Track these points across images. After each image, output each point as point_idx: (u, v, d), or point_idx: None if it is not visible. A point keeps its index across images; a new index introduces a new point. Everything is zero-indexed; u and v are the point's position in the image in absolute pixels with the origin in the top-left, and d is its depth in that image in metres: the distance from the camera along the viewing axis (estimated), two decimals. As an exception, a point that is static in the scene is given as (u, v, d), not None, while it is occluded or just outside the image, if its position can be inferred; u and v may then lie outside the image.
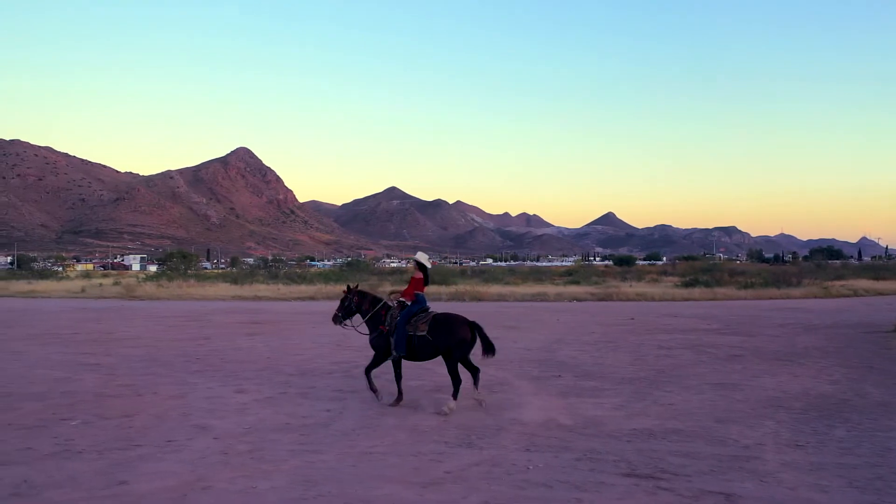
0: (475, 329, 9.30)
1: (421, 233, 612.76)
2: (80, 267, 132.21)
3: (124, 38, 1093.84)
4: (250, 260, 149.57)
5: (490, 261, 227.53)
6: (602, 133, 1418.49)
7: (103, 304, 32.76)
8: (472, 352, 9.43)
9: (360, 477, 6.34)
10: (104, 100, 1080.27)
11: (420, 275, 9.62)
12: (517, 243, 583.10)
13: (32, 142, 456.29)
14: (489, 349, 9.30)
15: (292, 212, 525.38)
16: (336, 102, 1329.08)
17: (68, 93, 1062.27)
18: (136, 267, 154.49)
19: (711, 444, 7.45)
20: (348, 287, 9.99)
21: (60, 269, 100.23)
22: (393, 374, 9.67)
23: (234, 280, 49.41)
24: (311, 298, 36.15)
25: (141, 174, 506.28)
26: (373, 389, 9.62)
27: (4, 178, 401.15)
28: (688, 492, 5.95)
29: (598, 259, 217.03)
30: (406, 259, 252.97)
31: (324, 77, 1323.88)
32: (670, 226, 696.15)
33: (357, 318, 9.90)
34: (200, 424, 8.35)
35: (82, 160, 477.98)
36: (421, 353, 9.25)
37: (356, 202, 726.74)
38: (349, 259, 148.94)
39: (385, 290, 10.69)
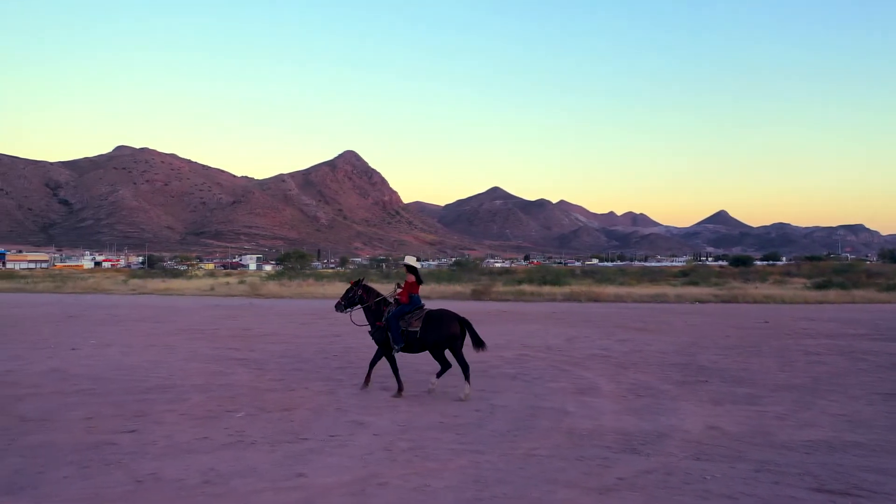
0: (464, 325, 10.06)
1: (524, 232, 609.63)
2: (202, 266, 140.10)
3: (239, 49, 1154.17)
4: (359, 259, 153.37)
5: (595, 261, 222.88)
6: (712, 128, 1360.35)
7: (233, 302, 34.51)
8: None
9: (531, 480, 6.24)
10: (223, 108, 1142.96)
11: (412, 277, 10.29)
12: (623, 243, 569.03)
13: (159, 149, 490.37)
14: (478, 344, 10.04)
15: (397, 212, 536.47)
16: (439, 105, 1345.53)
17: (191, 102, 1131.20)
18: (252, 266, 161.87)
19: (904, 461, 6.84)
20: (357, 281, 10.74)
21: (185, 268, 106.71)
22: (390, 369, 10.30)
23: (350, 279, 50.78)
24: (426, 297, 36.53)
25: (256, 178, 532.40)
26: (366, 379, 10.52)
27: (135, 183, 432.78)
28: (894, 512, 5.48)
29: (710, 259, 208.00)
30: (511, 259, 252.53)
31: (427, 80, 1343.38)
32: (788, 224, 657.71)
33: (358, 309, 10.57)
34: (357, 420, 8.52)
35: (203, 166, 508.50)
36: (416, 346, 9.98)
37: (459, 202, 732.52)
38: (456, 259, 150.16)
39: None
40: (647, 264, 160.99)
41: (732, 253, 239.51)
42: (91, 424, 8.26)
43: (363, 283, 10.68)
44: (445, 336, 9.87)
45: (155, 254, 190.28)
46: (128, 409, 9.14)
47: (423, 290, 39.56)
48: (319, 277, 54.29)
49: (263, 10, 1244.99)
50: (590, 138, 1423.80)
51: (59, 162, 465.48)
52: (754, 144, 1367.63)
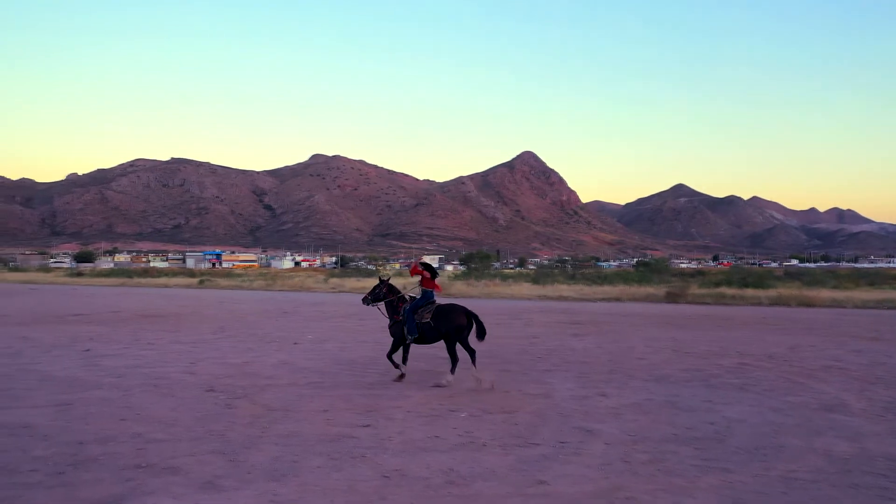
0: (471, 317, 11.05)
1: (711, 231, 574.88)
2: (388, 266, 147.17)
3: (418, 59, 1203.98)
4: (540, 260, 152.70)
5: (795, 261, 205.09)
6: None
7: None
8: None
9: (801, 507, 5.60)
10: (405, 115, 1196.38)
11: (428, 274, 11.51)
12: (826, 242, 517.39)
13: (349, 157, 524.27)
14: (481, 334, 11.05)
15: (575, 212, 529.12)
16: (618, 101, 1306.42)
17: (377, 111, 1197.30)
18: (434, 266, 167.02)
19: None
20: (382, 279, 11.92)
21: (374, 268, 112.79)
22: (401, 356, 11.40)
23: (535, 280, 50.61)
24: (617, 300, 35.43)
25: (437, 181, 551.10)
26: (395, 365, 11.40)
27: (328, 188, 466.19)
28: None
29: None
30: (697, 260, 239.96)
31: (604, 78, 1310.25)
32: None
33: (382, 304, 11.71)
34: (584, 427, 8.24)
35: (388, 171, 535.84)
36: (428, 336, 11.04)
37: (640, 201, 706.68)
38: (642, 259, 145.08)
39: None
40: (858, 265, 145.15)
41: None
42: (329, 416, 8.73)
43: (387, 281, 11.87)
44: (454, 326, 10.82)
45: (347, 254, 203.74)
46: (357, 403, 9.56)
47: (613, 291, 38.65)
48: (504, 278, 54.71)
49: (440, 17, 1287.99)
50: (787, 128, 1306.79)
51: (264, 171, 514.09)
52: None
